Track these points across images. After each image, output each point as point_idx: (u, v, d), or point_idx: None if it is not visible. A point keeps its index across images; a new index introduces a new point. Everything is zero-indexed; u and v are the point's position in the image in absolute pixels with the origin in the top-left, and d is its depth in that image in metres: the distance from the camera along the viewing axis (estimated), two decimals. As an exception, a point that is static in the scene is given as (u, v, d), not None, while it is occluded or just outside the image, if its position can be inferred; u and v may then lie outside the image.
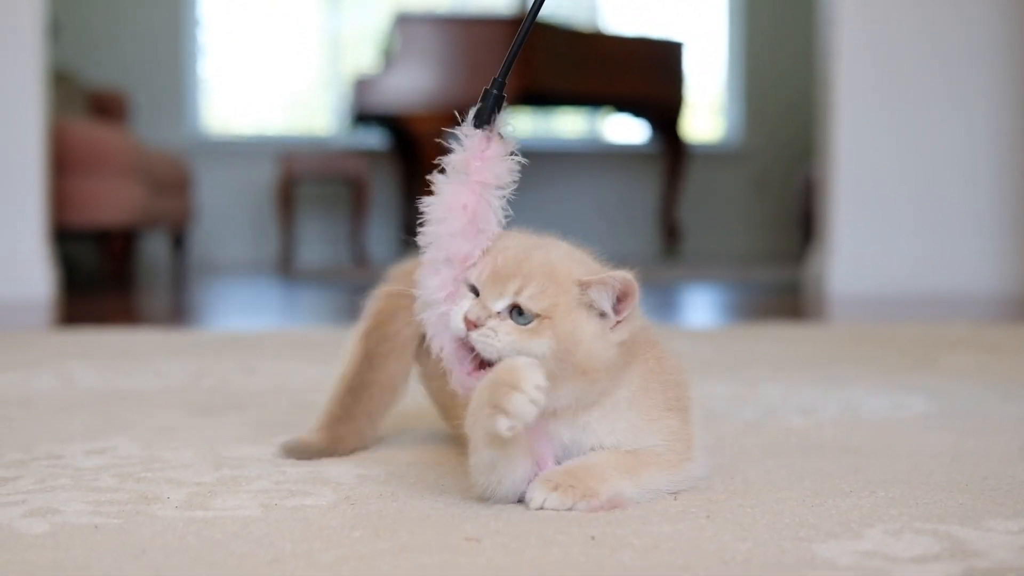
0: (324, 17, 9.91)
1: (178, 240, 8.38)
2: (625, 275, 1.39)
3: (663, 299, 5.52)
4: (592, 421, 1.46)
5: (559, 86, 7.80)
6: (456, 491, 1.50)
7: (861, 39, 5.60)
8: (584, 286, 1.40)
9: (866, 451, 1.79)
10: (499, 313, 1.40)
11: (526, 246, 1.45)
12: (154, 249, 9.31)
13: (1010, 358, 3.04)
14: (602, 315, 1.41)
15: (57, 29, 7.50)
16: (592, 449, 1.47)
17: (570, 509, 1.38)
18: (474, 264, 1.44)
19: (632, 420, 1.47)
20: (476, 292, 1.42)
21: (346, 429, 1.76)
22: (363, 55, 9.76)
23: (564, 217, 9.98)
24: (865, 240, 5.63)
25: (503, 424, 1.32)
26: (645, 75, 8.36)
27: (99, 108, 7.90)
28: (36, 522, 1.34)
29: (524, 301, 1.39)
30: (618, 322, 1.41)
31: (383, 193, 9.66)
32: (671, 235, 9.00)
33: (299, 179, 8.51)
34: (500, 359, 1.38)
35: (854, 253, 5.63)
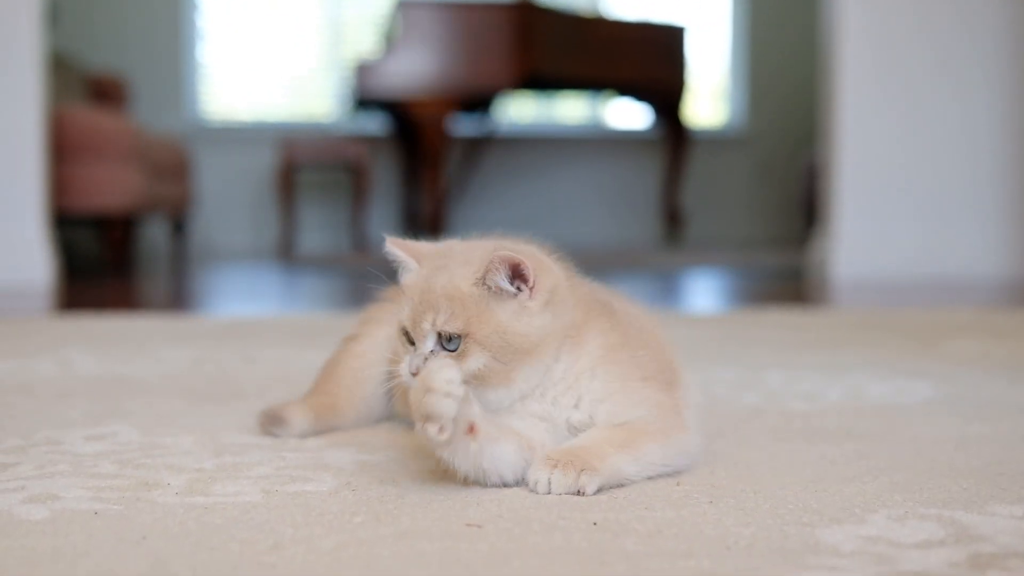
0: (325, 1, 9.89)
1: (178, 226, 8.38)
2: (501, 252, 1.42)
3: (665, 285, 5.51)
4: (559, 396, 1.50)
5: (561, 71, 7.79)
6: (458, 477, 1.50)
7: (864, 24, 5.58)
8: (479, 283, 1.44)
9: (870, 436, 1.79)
10: (432, 352, 1.45)
11: (427, 278, 1.49)
12: (154, 235, 9.30)
13: (1014, 343, 3.03)
14: (517, 292, 1.45)
15: (56, 14, 7.49)
16: (567, 423, 1.50)
17: (578, 492, 1.39)
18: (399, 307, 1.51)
19: (596, 390, 1.50)
20: (407, 339, 1.48)
21: (320, 403, 1.83)
22: (364, 40, 9.75)
23: (566, 203, 9.97)
24: (868, 225, 5.62)
25: (431, 429, 1.36)
26: (647, 60, 8.34)
27: (98, 93, 7.89)
28: (36, 508, 1.34)
29: (442, 327, 1.44)
30: (531, 289, 1.45)
31: (384, 179, 9.66)
32: (673, 221, 8.99)
33: (299, 165, 8.50)
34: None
35: (857, 238, 5.62)
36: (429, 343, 1.45)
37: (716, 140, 10.25)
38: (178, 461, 1.59)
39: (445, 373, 1.37)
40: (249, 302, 4.86)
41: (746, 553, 1.17)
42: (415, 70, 7.41)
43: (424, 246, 1.56)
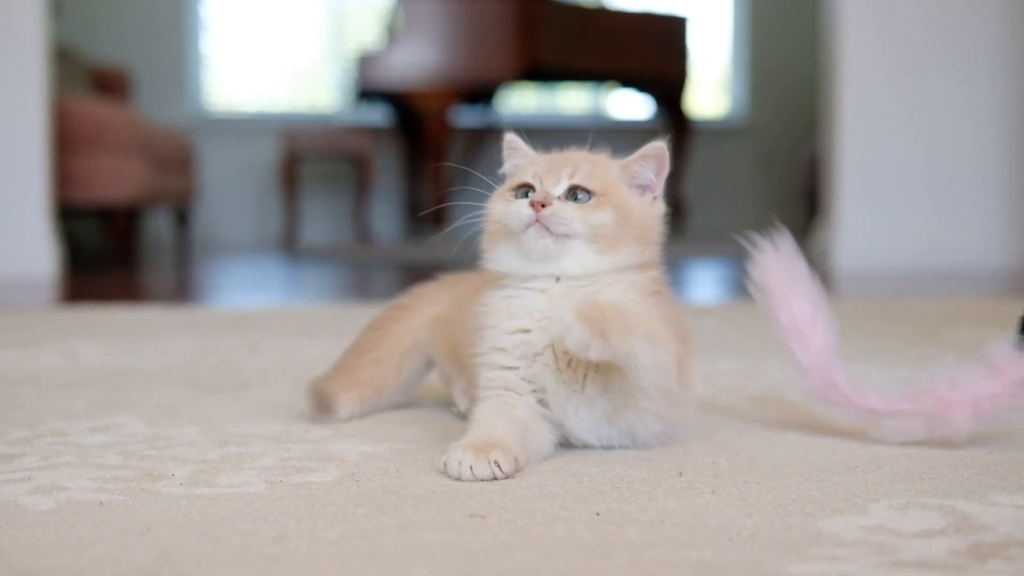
0: (327, -7, 9.89)
1: (181, 217, 8.38)
2: (658, 143, 1.61)
3: (669, 275, 5.50)
4: (590, 288, 1.59)
5: (563, 62, 7.78)
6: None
7: (866, 15, 5.58)
8: (626, 166, 1.62)
9: (871, 426, 1.79)
10: (559, 197, 1.58)
11: (570, 152, 1.65)
12: (157, 227, 9.30)
13: (1015, 332, 3.03)
14: (641, 191, 1.63)
15: (59, 6, 7.48)
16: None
17: (586, 347, 1.43)
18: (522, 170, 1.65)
19: (629, 298, 1.59)
20: (526, 190, 1.61)
21: (366, 381, 1.87)
22: (367, 31, 9.74)
23: (568, 193, 9.96)
24: (870, 216, 5.62)
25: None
26: (649, 51, 8.34)
27: (101, 85, 7.89)
28: (42, 499, 1.34)
29: (580, 181, 1.58)
30: (655, 197, 1.64)
31: (387, 170, 9.65)
32: (676, 211, 8.98)
33: (302, 156, 8.50)
34: (567, 235, 1.55)
35: (859, 229, 5.62)
36: (561, 187, 1.59)
37: (718, 130, 10.24)
38: (182, 452, 1.60)
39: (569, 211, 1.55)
40: (252, 293, 4.86)
41: (748, 543, 1.17)
42: (417, 62, 7.40)
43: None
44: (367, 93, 7.82)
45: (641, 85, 8.67)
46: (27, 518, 1.27)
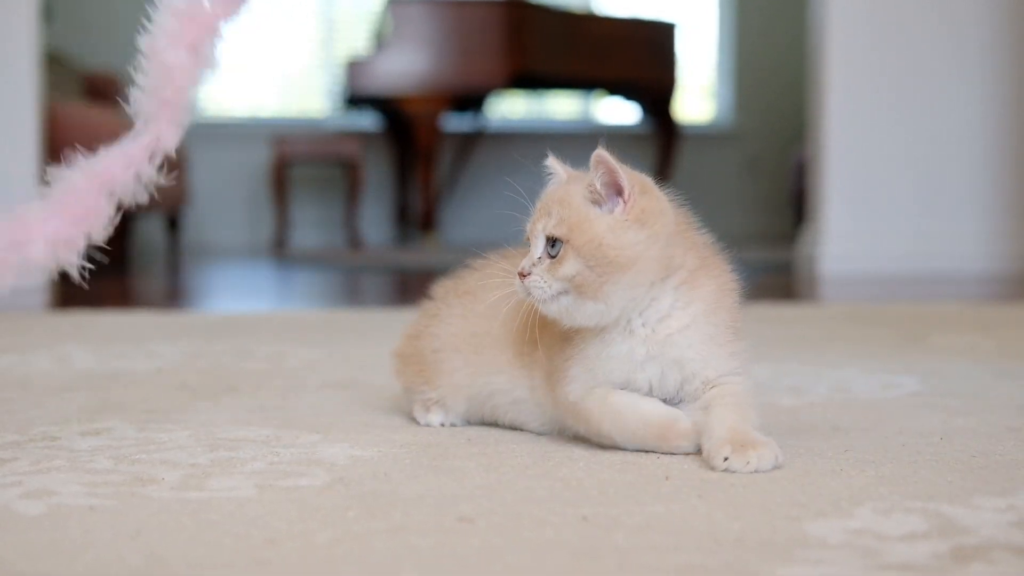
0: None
1: (172, 223, 8.37)
2: (599, 153, 1.55)
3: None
4: (674, 334, 1.58)
5: (551, 68, 7.79)
6: (450, 472, 1.51)
7: (851, 20, 5.60)
8: (587, 191, 1.56)
9: (856, 430, 1.80)
10: (539, 259, 1.57)
11: (558, 188, 1.63)
12: (149, 232, 9.29)
13: (1000, 337, 3.05)
14: (611, 209, 1.56)
15: (50, 12, 7.48)
16: (675, 362, 1.58)
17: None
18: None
19: (711, 334, 1.60)
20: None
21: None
22: (357, 38, 9.74)
23: (558, 198, 9.97)
24: (856, 220, 5.64)
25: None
26: (637, 57, 8.35)
27: (93, 91, 7.88)
28: (32, 503, 1.35)
29: (549, 231, 1.56)
30: (626, 205, 1.56)
31: (377, 175, 9.65)
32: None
33: (293, 161, 8.50)
34: (548, 300, 1.55)
35: (846, 233, 5.64)
36: (539, 247, 1.57)
37: (705, 136, 10.26)
38: (173, 456, 1.60)
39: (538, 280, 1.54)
40: (243, 298, 4.87)
41: (735, 546, 1.18)
42: (406, 68, 7.41)
43: (578, 172, 1.66)
44: (357, 99, 7.83)
45: (629, 91, 8.69)
46: (18, 523, 1.27)
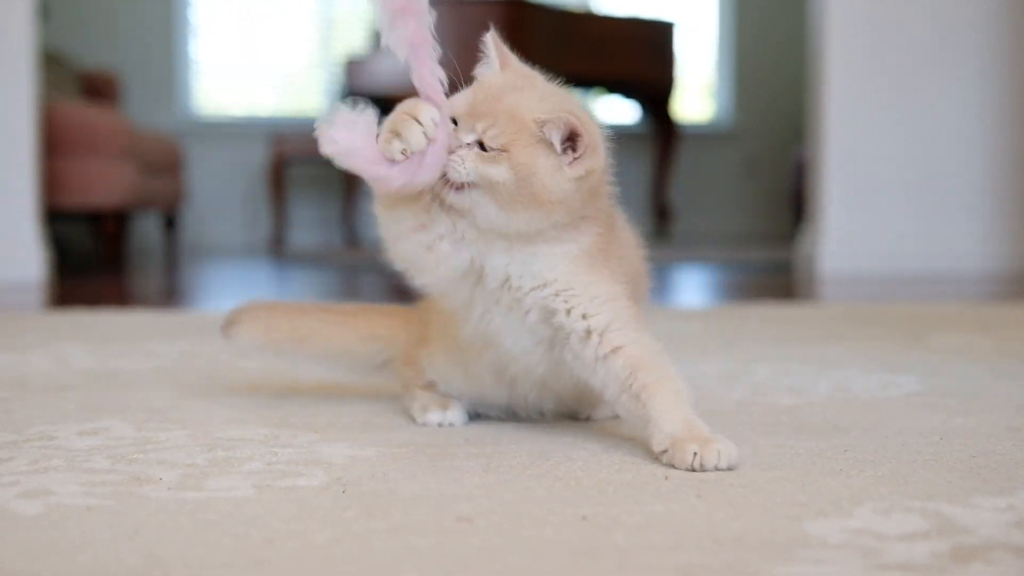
0: (315, -2, 9.89)
1: (170, 222, 8.37)
2: (569, 116, 1.54)
3: (655, 280, 5.51)
4: (538, 252, 1.61)
5: (550, 67, 7.75)
6: (449, 471, 1.51)
7: (851, 20, 5.60)
8: (539, 124, 1.55)
9: (856, 430, 1.80)
10: (468, 144, 1.57)
11: (503, 87, 1.62)
12: (146, 231, 9.29)
13: (999, 336, 3.05)
14: (562, 153, 1.56)
15: (47, 11, 7.48)
16: (534, 278, 1.62)
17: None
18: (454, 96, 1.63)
19: (573, 269, 1.62)
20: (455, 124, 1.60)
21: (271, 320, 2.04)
22: (355, 36, 9.74)
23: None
24: (855, 220, 5.64)
25: (396, 147, 1.54)
26: (636, 56, 8.35)
27: (91, 90, 7.88)
28: (30, 503, 1.35)
29: (486, 139, 1.56)
30: (575, 160, 1.56)
31: (375, 174, 9.64)
32: (662, 216, 9.00)
33: (291, 160, 8.50)
34: (458, 183, 1.57)
35: (845, 233, 5.64)
36: (469, 137, 1.58)
37: (704, 135, 10.26)
38: (170, 456, 1.60)
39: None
40: (241, 297, 4.85)
41: (734, 546, 1.18)
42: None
43: (515, 59, 1.70)
44: (355, 97, 7.82)
45: (628, 90, 8.68)
46: (16, 522, 1.27)
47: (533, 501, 1.35)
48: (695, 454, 1.49)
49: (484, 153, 1.56)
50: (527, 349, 1.67)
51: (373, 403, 2.03)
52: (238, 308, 2.06)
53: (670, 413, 1.55)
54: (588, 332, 1.62)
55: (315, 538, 1.20)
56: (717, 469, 1.49)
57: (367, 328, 2.02)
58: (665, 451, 1.53)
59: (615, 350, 1.61)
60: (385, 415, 1.92)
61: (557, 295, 1.62)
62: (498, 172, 1.55)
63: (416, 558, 1.14)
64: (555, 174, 1.55)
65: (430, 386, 1.87)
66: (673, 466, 1.51)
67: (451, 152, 1.57)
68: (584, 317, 1.62)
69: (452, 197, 1.58)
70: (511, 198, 1.55)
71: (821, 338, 3.04)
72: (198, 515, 1.30)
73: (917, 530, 1.23)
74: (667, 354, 1.64)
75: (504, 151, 1.55)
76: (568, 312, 1.62)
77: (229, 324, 2.03)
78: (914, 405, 2.03)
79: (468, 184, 1.57)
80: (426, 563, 1.13)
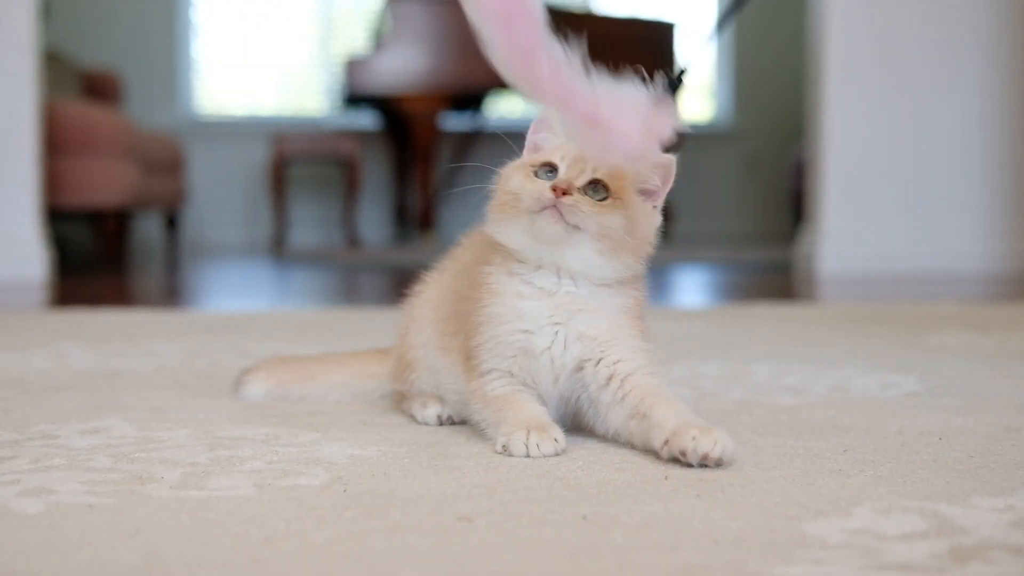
0: (316, -3, 9.90)
1: (171, 221, 8.37)
2: (669, 158, 1.62)
3: (654, 280, 5.52)
4: (590, 301, 1.64)
5: (550, 67, 7.78)
6: (449, 471, 1.51)
7: (850, 20, 5.60)
8: (638, 169, 1.60)
9: (855, 430, 1.80)
10: (579, 188, 1.58)
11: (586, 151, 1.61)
12: (147, 230, 9.29)
13: (998, 336, 3.05)
14: (644, 195, 1.63)
15: (49, 10, 7.48)
16: (578, 336, 1.64)
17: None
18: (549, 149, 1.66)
19: (620, 322, 1.65)
20: (549, 170, 1.62)
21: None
22: (355, 36, 9.74)
23: (556, 198, 9.96)
24: (854, 220, 5.64)
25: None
26: (636, 56, 8.33)
27: (92, 89, 7.88)
28: (31, 502, 1.35)
29: (603, 176, 1.59)
30: (654, 206, 1.65)
31: (375, 174, 9.65)
32: (664, 216, 8.97)
33: (291, 160, 8.50)
34: (578, 227, 1.57)
35: (844, 233, 5.64)
36: (583, 178, 1.59)
37: (704, 135, 10.26)
38: (172, 455, 1.60)
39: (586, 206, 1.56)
40: (241, 297, 4.86)
41: (733, 546, 1.18)
42: (405, 67, 7.41)
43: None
44: (356, 97, 7.82)
45: (628, 90, 8.66)
46: (16, 521, 1.27)
47: (532, 501, 1.35)
48: (693, 438, 1.50)
49: (599, 201, 1.58)
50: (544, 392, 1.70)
51: (373, 402, 2.04)
52: (246, 368, 2.11)
53: (671, 415, 1.57)
54: (610, 379, 1.64)
55: (314, 537, 1.21)
56: (711, 458, 1.50)
57: (365, 367, 2.07)
58: (666, 442, 1.53)
59: (632, 389, 1.63)
60: (386, 415, 1.92)
61: (597, 344, 1.64)
62: (614, 219, 1.58)
63: (416, 558, 1.14)
64: (650, 216, 1.64)
65: (421, 392, 1.89)
66: (672, 455, 1.52)
67: (566, 192, 1.57)
68: (613, 363, 1.64)
69: (558, 230, 1.59)
70: (620, 244, 1.59)
71: (820, 338, 3.04)
72: (199, 514, 1.30)
73: (916, 530, 1.23)
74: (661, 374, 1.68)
75: (617, 197, 1.59)
76: (597, 362, 1.64)
77: (239, 383, 2.08)
78: (913, 405, 2.04)
79: (578, 229, 1.58)
80: (425, 563, 1.13)
